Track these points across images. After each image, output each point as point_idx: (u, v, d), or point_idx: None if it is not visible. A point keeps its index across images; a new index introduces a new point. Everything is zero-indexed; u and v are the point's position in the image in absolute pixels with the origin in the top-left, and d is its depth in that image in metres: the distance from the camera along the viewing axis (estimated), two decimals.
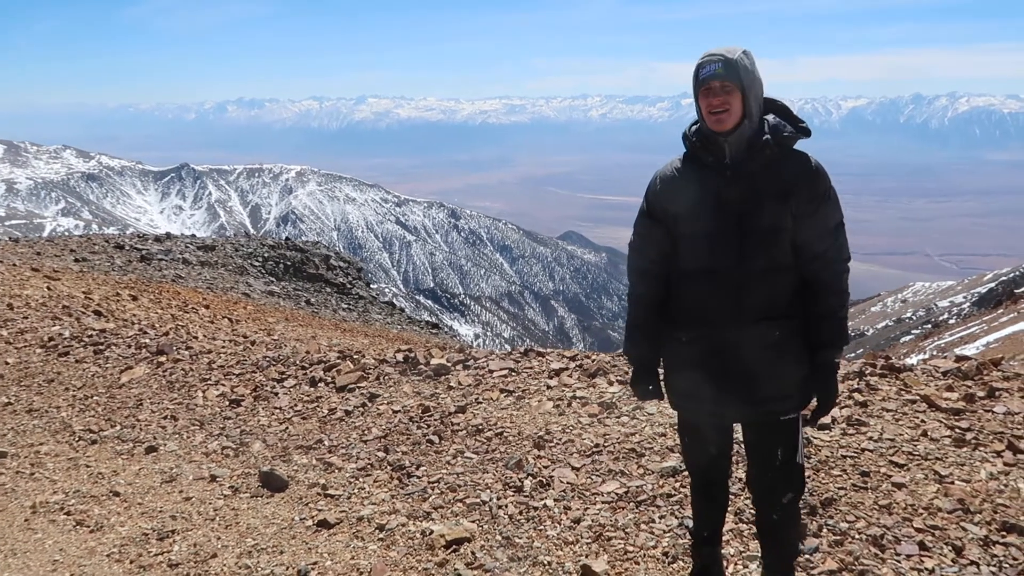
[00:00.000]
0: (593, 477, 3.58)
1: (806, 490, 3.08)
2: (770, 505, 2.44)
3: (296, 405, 4.89)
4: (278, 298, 15.19)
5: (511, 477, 3.64)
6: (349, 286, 19.04)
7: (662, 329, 2.47)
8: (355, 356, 5.78)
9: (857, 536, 2.96)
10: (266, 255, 18.06)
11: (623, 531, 3.13)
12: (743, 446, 2.53)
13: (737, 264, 2.25)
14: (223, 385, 5.34)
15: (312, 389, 5.14)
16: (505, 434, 4.10)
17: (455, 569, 2.94)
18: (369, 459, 4.01)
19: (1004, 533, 2.92)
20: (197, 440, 4.49)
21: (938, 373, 4.54)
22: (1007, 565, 2.75)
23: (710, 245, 2.29)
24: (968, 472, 3.36)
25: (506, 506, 3.39)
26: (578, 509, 3.32)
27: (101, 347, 6.27)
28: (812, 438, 3.70)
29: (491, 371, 5.11)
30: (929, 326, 44.92)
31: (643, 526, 3.15)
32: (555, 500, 3.40)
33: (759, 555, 2.69)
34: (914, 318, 56.40)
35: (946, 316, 48.18)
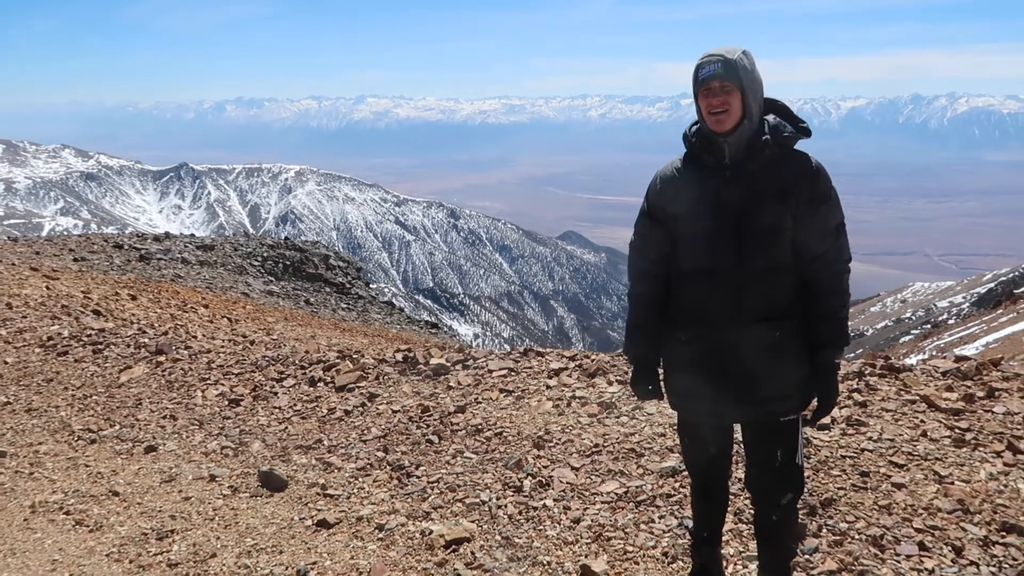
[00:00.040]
0: (593, 477, 3.57)
1: (806, 490, 3.08)
2: (769, 505, 2.45)
3: (295, 405, 4.89)
4: (277, 298, 15.18)
5: (511, 477, 3.63)
6: (348, 286, 19.03)
7: (662, 329, 2.47)
8: (354, 356, 5.77)
9: (857, 536, 2.96)
10: (265, 255, 18.05)
11: (623, 531, 3.13)
12: (743, 446, 2.53)
13: (737, 264, 2.25)
14: (222, 385, 5.34)
15: (311, 389, 5.14)
16: (504, 434, 4.10)
17: (454, 569, 2.94)
18: (368, 459, 4.00)
19: (1004, 533, 2.92)
20: (196, 440, 4.49)
21: (938, 373, 4.54)
22: (1007, 565, 2.75)
23: (710, 245, 2.29)
24: (968, 472, 3.36)
25: (505, 506, 3.39)
26: (578, 509, 3.32)
27: (100, 346, 6.26)
28: (812, 438, 3.70)
29: (490, 371, 5.10)
30: (929, 326, 44.94)
31: (643, 526, 3.15)
32: (555, 500, 3.40)
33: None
34: (913, 318, 56.42)
35: (945, 316, 48.21)
